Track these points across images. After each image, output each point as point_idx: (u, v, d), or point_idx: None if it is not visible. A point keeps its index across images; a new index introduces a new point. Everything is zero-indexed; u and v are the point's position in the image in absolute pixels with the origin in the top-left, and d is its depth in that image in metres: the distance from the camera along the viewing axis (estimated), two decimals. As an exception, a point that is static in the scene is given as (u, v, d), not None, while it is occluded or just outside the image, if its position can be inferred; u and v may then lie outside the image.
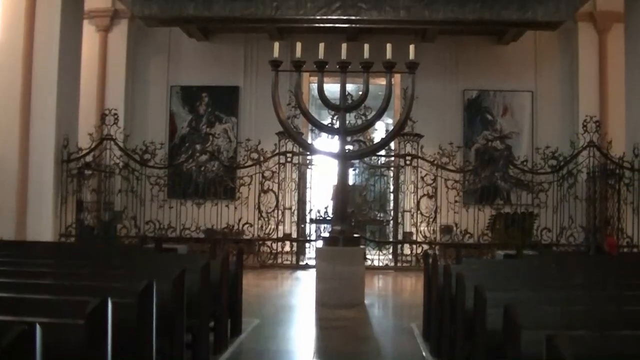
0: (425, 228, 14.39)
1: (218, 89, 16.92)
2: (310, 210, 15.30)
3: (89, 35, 15.67)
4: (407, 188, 14.85)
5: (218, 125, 16.82)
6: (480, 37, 16.64)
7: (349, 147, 12.86)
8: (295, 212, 15.20)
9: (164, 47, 17.16)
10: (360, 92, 10.95)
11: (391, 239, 15.54)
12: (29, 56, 12.96)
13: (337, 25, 14.17)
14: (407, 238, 14.69)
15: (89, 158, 14.12)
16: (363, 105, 12.16)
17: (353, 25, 14.36)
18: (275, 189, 14.55)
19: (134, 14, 14.72)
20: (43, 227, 12.89)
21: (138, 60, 17.14)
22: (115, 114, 14.32)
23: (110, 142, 14.30)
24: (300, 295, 11.42)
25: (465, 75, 16.78)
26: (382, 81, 11.74)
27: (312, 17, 13.77)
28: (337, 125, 11.12)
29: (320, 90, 10.53)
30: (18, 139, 12.87)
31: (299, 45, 10.41)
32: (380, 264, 14.47)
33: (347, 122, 11.40)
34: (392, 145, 14.79)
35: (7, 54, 13.03)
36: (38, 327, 3.20)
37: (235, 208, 14.43)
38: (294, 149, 14.39)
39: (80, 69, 14.10)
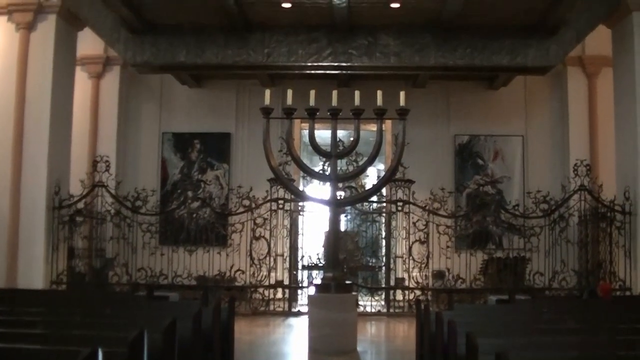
0: (418, 274, 14.35)
1: (210, 135, 16.99)
2: (302, 256, 15.22)
3: (82, 81, 15.73)
4: (399, 234, 14.84)
5: (210, 172, 16.87)
6: (471, 82, 16.79)
7: (341, 193, 12.88)
8: (287, 259, 15.12)
9: (156, 93, 17.26)
10: (352, 139, 10.99)
11: (383, 285, 15.46)
12: (21, 102, 12.98)
13: (328, 71, 14.29)
14: (400, 284, 14.62)
15: (80, 205, 14.08)
16: (354, 151, 12.19)
17: (344, 72, 14.48)
18: (267, 235, 14.49)
19: (126, 61, 14.79)
20: (34, 274, 12.80)
21: (130, 106, 17.21)
22: (107, 161, 14.32)
23: (102, 189, 14.28)
24: (293, 343, 11.35)
25: (456, 120, 16.88)
26: (374, 127, 11.78)
27: (303, 63, 13.89)
28: (328, 172, 11.15)
29: (312, 137, 10.56)
30: (9, 185, 12.84)
31: (290, 92, 10.46)
32: (373, 310, 14.38)
33: (339, 168, 11.41)
34: (384, 191, 14.82)
35: (0, 99, 13.05)
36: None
37: (227, 255, 14.36)
38: (286, 196, 14.39)
39: (72, 115, 14.13)
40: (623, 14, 13.05)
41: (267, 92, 10.59)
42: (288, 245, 15.13)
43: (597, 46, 15.51)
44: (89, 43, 15.37)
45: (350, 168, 13.81)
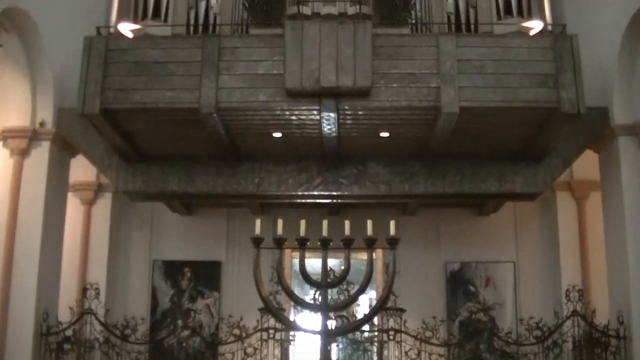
0: (412, 403, 14.07)
1: (200, 263, 16.89)
2: (294, 386, 14.96)
3: (73, 207, 15.78)
4: (392, 363, 14.62)
5: (200, 300, 16.69)
6: (461, 209, 16.86)
7: (332, 322, 12.76)
8: (279, 389, 14.84)
9: (147, 221, 17.28)
10: (343, 267, 11.00)
11: (377, 415, 15.14)
12: (12, 227, 12.94)
13: (318, 200, 14.38)
14: (394, 413, 14.34)
15: (69, 332, 13.83)
16: (345, 280, 12.16)
17: (334, 201, 14.58)
18: (258, 365, 14.28)
19: (117, 188, 14.88)
20: (19, 403, 12.53)
21: (121, 233, 17.20)
22: (97, 288, 14.18)
23: (91, 316, 14.09)
24: None
25: (447, 247, 16.88)
26: (365, 256, 11.79)
27: (293, 193, 13.98)
28: (319, 301, 11.09)
29: (302, 267, 10.56)
30: (-3, 310, 12.71)
31: (280, 222, 10.52)
32: None
33: (330, 297, 11.38)
34: (375, 320, 14.67)
35: (-9, 224, 13.05)
36: None
37: (218, 385, 14.11)
38: (277, 325, 14.22)
39: (63, 242, 14.12)
40: (609, 139, 13.28)
41: (258, 222, 10.63)
42: (278, 375, 14.86)
43: (585, 171, 15.63)
44: (81, 170, 15.50)
45: (342, 297, 13.71)
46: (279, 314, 11.88)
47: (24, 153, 13.34)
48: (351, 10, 14.57)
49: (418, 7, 15.55)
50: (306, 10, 14.43)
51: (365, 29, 12.24)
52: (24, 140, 13.32)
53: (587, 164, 14.88)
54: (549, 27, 13.08)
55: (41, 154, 13.43)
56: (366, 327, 14.59)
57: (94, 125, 12.77)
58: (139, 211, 17.14)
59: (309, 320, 13.64)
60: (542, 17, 13.76)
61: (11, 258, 12.90)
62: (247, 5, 14.98)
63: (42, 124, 13.36)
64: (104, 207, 16.82)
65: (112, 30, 13.03)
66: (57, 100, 13.53)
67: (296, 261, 12.13)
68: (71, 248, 15.47)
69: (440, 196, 14.27)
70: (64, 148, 13.93)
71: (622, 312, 12.86)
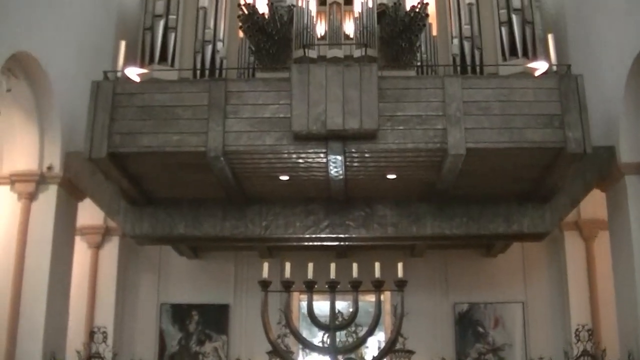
0: None
1: (208, 307, 16.83)
2: None
3: (81, 251, 15.78)
4: (401, 407, 14.52)
5: (208, 344, 16.58)
6: (469, 250, 16.80)
7: (341, 365, 12.72)
8: None
9: (155, 264, 17.26)
10: (351, 309, 10.98)
11: None
12: (19, 271, 12.89)
13: (326, 243, 14.37)
14: None
15: (76, 376, 13.86)
16: (353, 323, 12.13)
17: (342, 244, 14.57)
18: (266, 410, 14.19)
19: (125, 232, 14.89)
20: None
21: (128, 277, 17.17)
22: (104, 332, 14.18)
23: (98, 360, 14.10)
24: None
25: (455, 288, 16.80)
26: (372, 298, 11.75)
27: (301, 235, 13.97)
28: (328, 344, 11.06)
29: (310, 310, 10.56)
30: (4, 354, 12.58)
31: (288, 265, 10.54)
32: None
33: (338, 339, 11.34)
34: (384, 361, 14.60)
35: (-1, 268, 13.06)
36: None
37: None
38: (285, 369, 14.17)
39: (70, 285, 14.09)
40: (615, 179, 13.22)
41: (265, 266, 10.66)
42: (287, 419, 14.75)
43: (593, 210, 15.57)
44: (88, 213, 15.50)
45: (350, 340, 13.63)
46: (287, 357, 11.84)
47: (31, 197, 13.34)
48: (357, 52, 14.77)
49: (423, 49, 15.65)
50: (312, 53, 14.61)
51: (371, 72, 12.29)
52: (31, 184, 13.34)
53: (594, 203, 14.84)
54: (554, 68, 13.09)
55: (49, 197, 13.43)
56: (375, 370, 14.52)
57: (101, 169, 12.82)
58: (147, 254, 17.12)
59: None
60: (547, 57, 13.78)
61: (18, 301, 12.86)
62: (253, 49, 15.11)
63: (49, 168, 13.40)
64: (111, 250, 16.81)
65: (119, 74, 13.09)
66: (64, 144, 13.58)
67: (304, 304, 12.11)
68: (79, 291, 15.45)
69: (447, 238, 14.21)
70: (72, 192, 13.95)
71: (632, 350, 12.75)
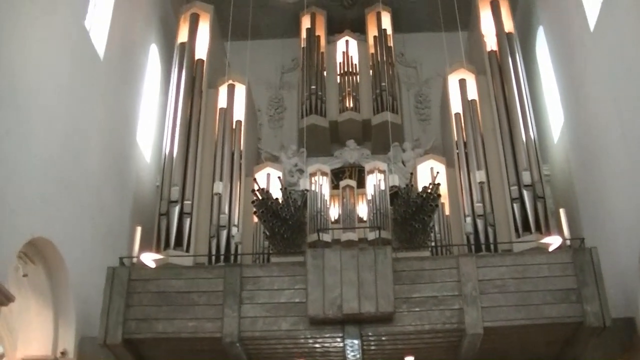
0: None
1: None
2: None
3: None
4: None
5: None
6: None
7: None
8: None
9: None
10: None
11: None
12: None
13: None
14: None
15: None
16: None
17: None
18: None
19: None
20: None
21: None
22: None
23: None
24: None
25: None
26: None
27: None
28: None
29: None
30: None
31: None
32: None
33: None
34: None
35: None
36: None
37: None
38: None
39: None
40: (637, 349, 12.55)
41: None
42: None
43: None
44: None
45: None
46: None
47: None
48: (371, 235, 14.89)
49: (437, 229, 15.71)
50: (326, 237, 14.75)
51: (385, 254, 12.39)
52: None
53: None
54: (568, 242, 13.12)
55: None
56: None
57: (115, 355, 12.69)
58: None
59: None
60: (560, 231, 13.80)
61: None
62: (267, 234, 15.19)
63: (63, 354, 13.21)
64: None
65: (135, 259, 13.21)
66: (79, 329, 13.44)
67: None
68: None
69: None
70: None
71: None
